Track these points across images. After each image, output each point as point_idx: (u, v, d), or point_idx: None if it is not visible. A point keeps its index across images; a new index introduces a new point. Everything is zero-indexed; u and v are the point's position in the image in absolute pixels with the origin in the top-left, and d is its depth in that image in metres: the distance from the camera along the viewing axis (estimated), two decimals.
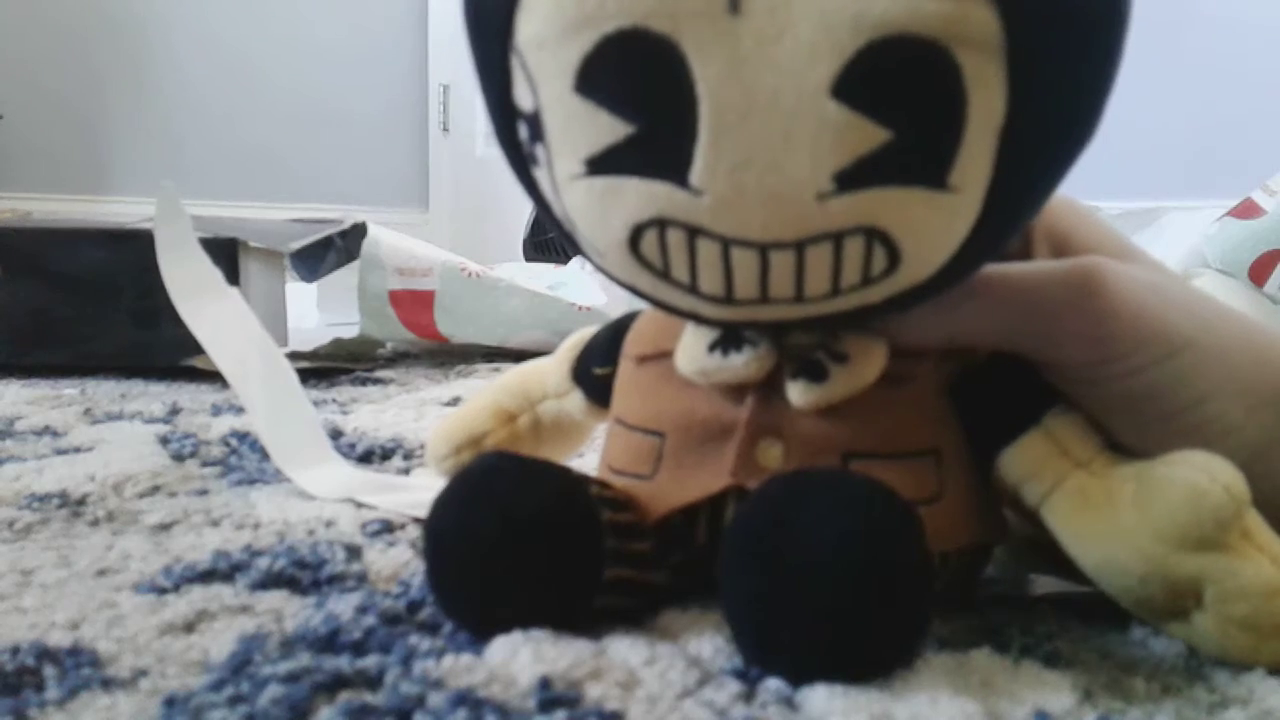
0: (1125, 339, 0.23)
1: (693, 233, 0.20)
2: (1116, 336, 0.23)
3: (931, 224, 0.20)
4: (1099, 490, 0.23)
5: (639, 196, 0.20)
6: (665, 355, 0.26)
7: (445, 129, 2.38)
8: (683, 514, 0.25)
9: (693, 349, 0.25)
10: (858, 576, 0.20)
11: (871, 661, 0.21)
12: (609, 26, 0.18)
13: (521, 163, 0.22)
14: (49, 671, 0.22)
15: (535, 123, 0.21)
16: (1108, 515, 0.23)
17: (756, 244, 0.20)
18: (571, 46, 0.19)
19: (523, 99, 0.21)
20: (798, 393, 0.24)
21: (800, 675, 0.21)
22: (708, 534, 0.25)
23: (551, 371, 0.33)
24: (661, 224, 0.20)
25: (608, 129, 0.20)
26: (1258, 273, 0.77)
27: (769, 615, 0.21)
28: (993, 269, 0.24)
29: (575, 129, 0.20)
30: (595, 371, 0.31)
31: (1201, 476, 0.22)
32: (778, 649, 0.21)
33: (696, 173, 0.19)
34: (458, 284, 0.91)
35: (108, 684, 0.22)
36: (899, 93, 0.18)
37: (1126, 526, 0.23)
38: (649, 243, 0.21)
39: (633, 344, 0.28)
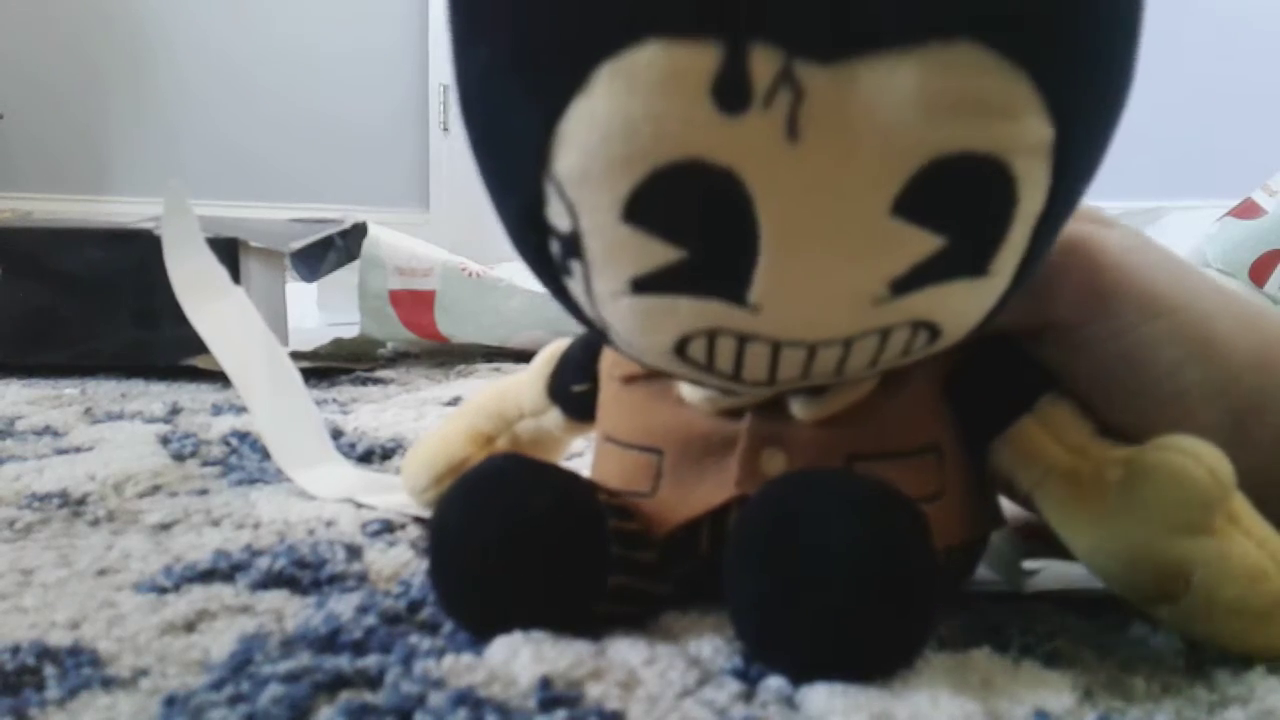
0: (1112, 296, 0.24)
1: (743, 339, 0.20)
2: (1103, 294, 0.24)
3: (971, 306, 0.21)
4: (1089, 476, 0.24)
5: (691, 312, 0.20)
6: (655, 375, 0.26)
7: (446, 129, 2.38)
8: (685, 526, 0.25)
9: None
10: (863, 577, 0.20)
11: (878, 662, 0.21)
12: (662, 161, 0.18)
13: (547, 269, 0.21)
14: (49, 671, 0.22)
15: (572, 242, 0.20)
16: (1097, 500, 0.23)
17: (807, 344, 0.20)
18: (620, 179, 0.18)
19: (558, 220, 0.20)
20: (800, 406, 0.24)
21: (805, 675, 0.21)
22: (710, 544, 0.25)
23: (526, 390, 0.32)
24: (712, 334, 0.20)
25: (659, 254, 0.19)
26: (1258, 272, 0.77)
27: (774, 616, 0.21)
28: None
29: (622, 254, 0.19)
30: (574, 389, 0.31)
31: (1187, 461, 0.22)
32: (783, 650, 0.21)
33: (756, 291, 0.19)
34: (458, 284, 0.91)
35: (108, 683, 0.22)
36: (957, 204, 0.18)
37: (1114, 511, 0.23)
38: (696, 348, 0.21)
39: (615, 365, 0.28)
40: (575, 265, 0.20)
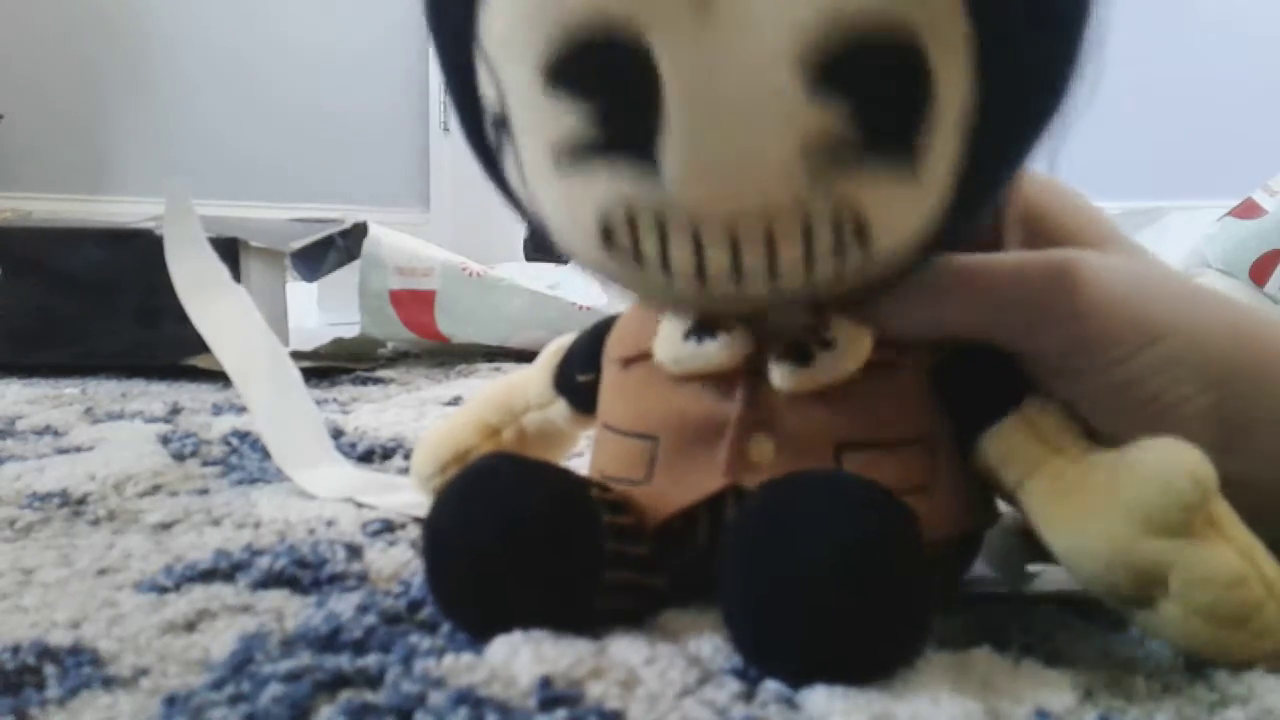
0: (1102, 333, 0.24)
1: (662, 214, 0.20)
2: (1093, 331, 0.24)
3: (899, 203, 0.20)
4: (1073, 476, 0.24)
5: (607, 183, 0.20)
6: (648, 356, 0.26)
7: (446, 129, 2.38)
8: (682, 516, 0.25)
9: (668, 339, 0.25)
10: (856, 581, 0.20)
11: (872, 665, 0.21)
12: (574, 22, 0.19)
13: (491, 160, 0.22)
14: (50, 670, 0.22)
15: (501, 120, 0.21)
16: (1079, 500, 0.23)
17: (721, 219, 0.20)
18: (537, 42, 0.19)
19: (489, 96, 0.21)
20: (781, 375, 0.24)
21: (801, 679, 0.21)
22: (708, 535, 0.25)
23: (533, 382, 0.33)
24: (630, 209, 0.20)
25: (574, 120, 0.20)
26: (1258, 272, 0.77)
27: (768, 622, 0.21)
28: (972, 261, 0.24)
29: (541, 123, 0.20)
30: (579, 379, 0.31)
31: (1170, 463, 0.22)
32: (778, 655, 0.21)
33: (664, 159, 0.19)
34: (458, 284, 0.91)
35: (108, 683, 0.22)
36: (866, 78, 0.19)
37: (1096, 510, 0.23)
38: (620, 232, 0.21)
39: (615, 347, 0.28)
40: (508, 144, 0.21)
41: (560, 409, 0.32)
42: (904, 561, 0.21)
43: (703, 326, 0.24)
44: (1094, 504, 0.23)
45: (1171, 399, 0.24)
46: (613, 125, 0.20)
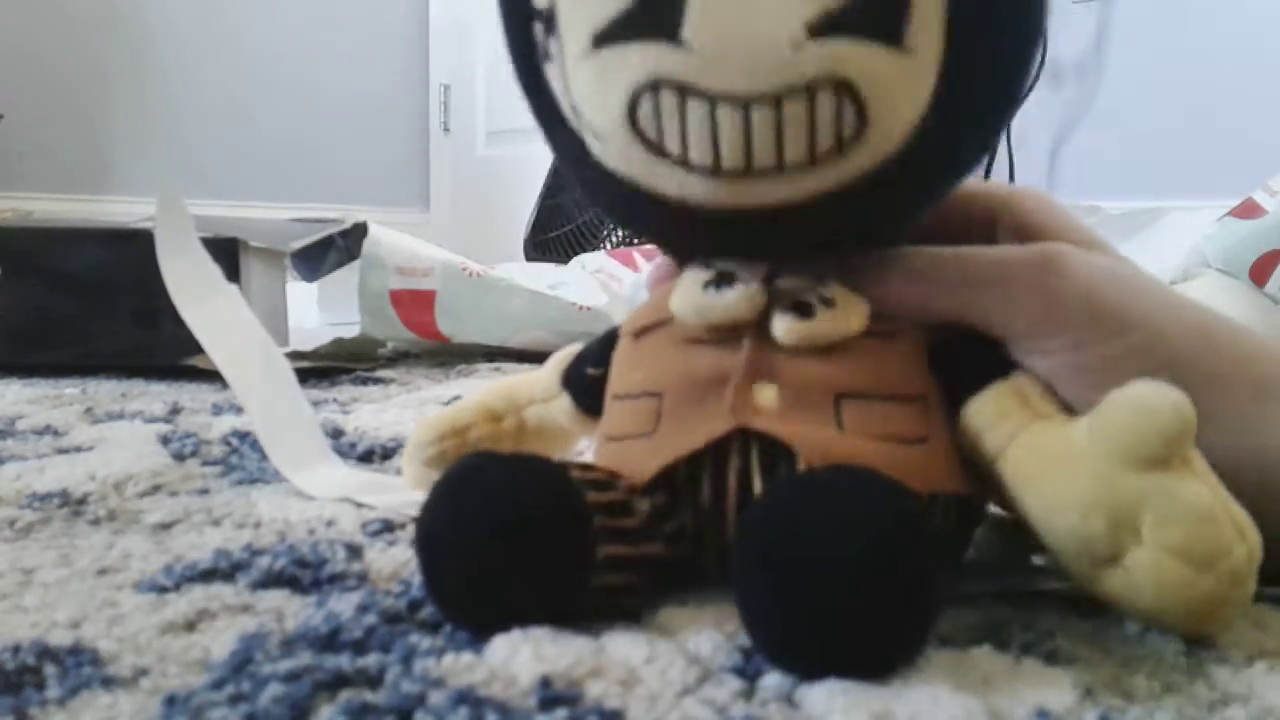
0: (1076, 314, 0.25)
1: (683, 93, 0.22)
2: (1068, 312, 0.25)
3: (893, 81, 0.22)
4: (1055, 434, 0.25)
5: (637, 59, 0.22)
6: (662, 324, 0.27)
7: (446, 129, 2.38)
8: (686, 471, 0.26)
9: (688, 291, 0.27)
10: (872, 580, 0.20)
11: (886, 660, 0.21)
12: None
13: (534, 72, 0.25)
14: (50, 670, 0.22)
15: (549, 16, 0.24)
16: (1060, 452, 0.24)
17: (740, 97, 0.22)
18: None
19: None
20: (783, 327, 0.25)
21: (818, 675, 0.21)
22: (712, 486, 0.25)
23: (540, 378, 0.34)
24: (656, 86, 0.23)
25: (612, 3, 0.22)
26: (1259, 272, 0.77)
27: (786, 619, 0.21)
28: (959, 249, 0.27)
29: (585, 9, 0.23)
30: (589, 371, 0.32)
31: (1153, 396, 0.23)
32: (796, 653, 0.21)
33: (686, 28, 0.22)
34: (458, 284, 0.91)
35: (108, 683, 0.22)
36: None
37: (1077, 455, 0.24)
38: (645, 112, 0.23)
39: (630, 323, 0.29)
40: (553, 45, 0.24)
41: (563, 404, 0.33)
42: (917, 556, 0.21)
43: (721, 279, 0.26)
44: (1074, 451, 0.24)
45: None
46: (645, 6, 0.22)
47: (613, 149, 0.24)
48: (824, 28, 0.21)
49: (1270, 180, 0.81)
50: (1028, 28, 0.24)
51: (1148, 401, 0.23)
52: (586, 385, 0.32)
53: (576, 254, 1.30)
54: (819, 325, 0.25)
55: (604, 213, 0.30)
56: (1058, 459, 0.24)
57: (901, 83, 0.22)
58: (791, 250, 0.26)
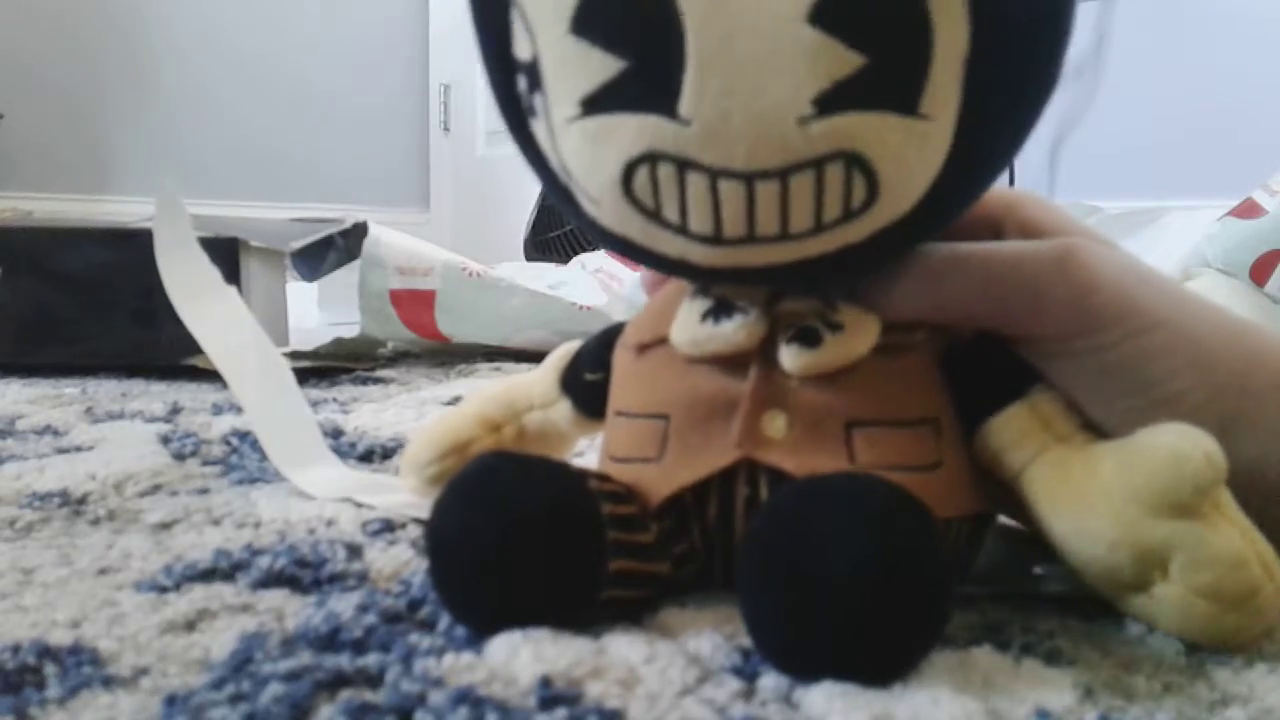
0: (1103, 311, 0.24)
1: (682, 166, 0.21)
2: (1095, 309, 0.24)
3: (906, 151, 0.21)
4: (1078, 462, 0.24)
5: (631, 131, 0.21)
6: (665, 341, 0.26)
7: (446, 128, 2.38)
8: (694, 494, 0.25)
9: (686, 321, 0.26)
10: (880, 587, 0.20)
11: (893, 665, 0.21)
12: None
13: (519, 119, 0.23)
14: (50, 670, 0.22)
15: (533, 71, 0.22)
16: (1085, 483, 0.24)
17: (743, 174, 0.21)
18: None
19: (521, 49, 0.22)
20: (790, 357, 0.25)
21: (823, 679, 0.21)
22: (719, 511, 0.25)
23: (538, 382, 0.33)
24: (653, 159, 0.21)
25: (601, 67, 0.21)
26: (1259, 272, 0.77)
27: (793, 626, 0.21)
28: (973, 246, 0.25)
29: (571, 70, 0.21)
30: (587, 377, 0.31)
31: (1185, 442, 0.22)
32: (802, 659, 0.21)
33: (684, 102, 0.20)
34: (458, 283, 0.91)
35: (109, 682, 0.22)
36: (871, 20, 0.19)
37: (1104, 491, 0.23)
38: (641, 181, 0.22)
39: (631, 335, 0.29)
40: (538, 101, 0.22)
41: (563, 409, 0.32)
42: (925, 562, 0.21)
43: (720, 309, 0.25)
44: (1100, 487, 0.23)
45: (1170, 390, 0.24)
46: (639, 74, 0.20)
47: (606, 211, 0.23)
48: (834, 101, 0.20)
49: (1270, 180, 0.81)
50: (1049, 76, 0.22)
51: (1180, 450, 0.22)
52: (586, 390, 0.31)
53: (576, 254, 1.30)
54: (826, 355, 0.24)
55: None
56: (1082, 491, 0.24)
57: (916, 150, 0.21)
58: (796, 291, 0.25)
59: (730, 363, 0.25)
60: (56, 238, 0.81)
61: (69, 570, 0.29)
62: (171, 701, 0.21)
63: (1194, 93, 1.47)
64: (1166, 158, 1.48)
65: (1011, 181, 1.54)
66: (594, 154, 0.22)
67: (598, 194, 0.23)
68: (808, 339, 0.24)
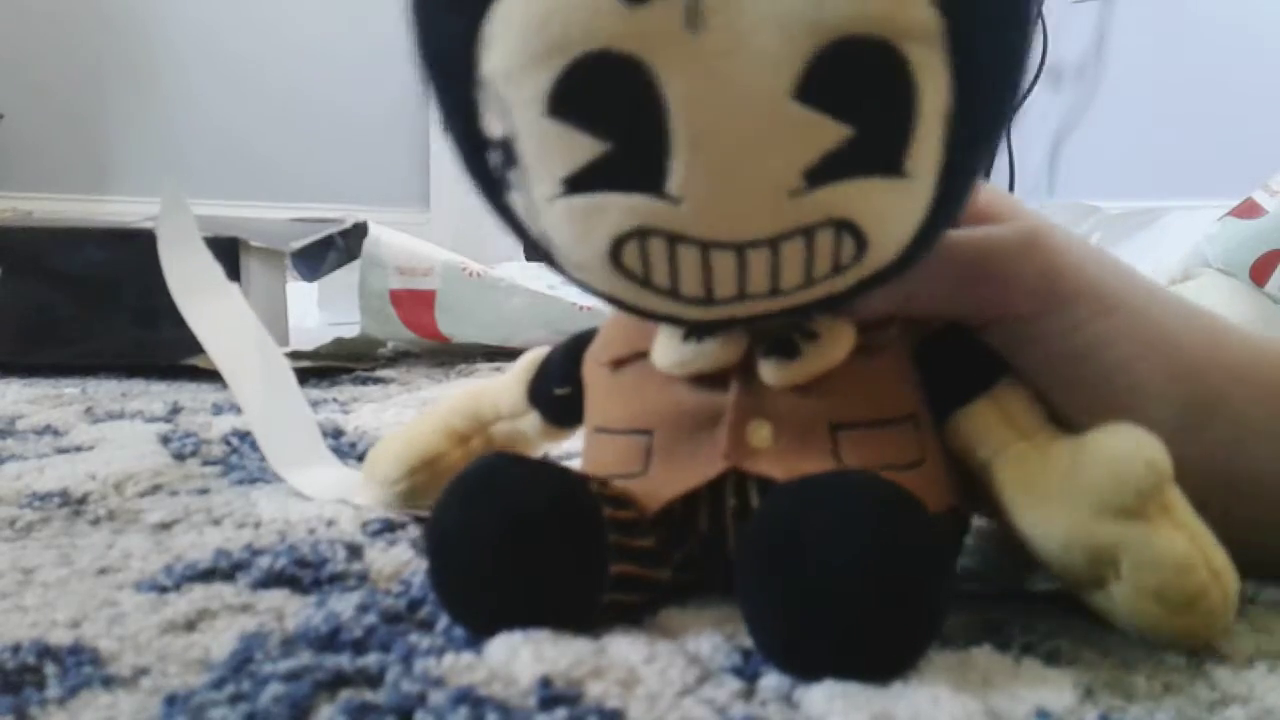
0: (1066, 290, 0.25)
1: (673, 239, 0.21)
2: (1058, 287, 0.25)
3: (893, 209, 0.21)
4: (1036, 459, 0.25)
5: (619, 211, 0.21)
6: (641, 355, 0.26)
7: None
8: (683, 505, 0.25)
9: (667, 343, 0.26)
10: (878, 584, 0.20)
11: (893, 663, 0.21)
12: (575, 52, 0.19)
13: (491, 188, 0.22)
14: (50, 670, 0.22)
15: (508, 149, 0.21)
16: (1041, 482, 0.24)
17: (734, 244, 0.21)
18: (541, 73, 0.19)
19: (493, 128, 0.21)
20: (770, 371, 0.25)
21: (824, 678, 0.21)
22: (709, 521, 0.25)
23: (504, 392, 0.33)
24: (642, 234, 0.21)
25: (584, 148, 0.20)
26: (1259, 272, 0.77)
27: (794, 626, 0.21)
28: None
29: (551, 152, 0.20)
30: (555, 392, 0.31)
31: (1126, 446, 0.23)
32: (802, 657, 0.21)
33: (673, 181, 0.20)
34: (459, 283, 0.91)
35: (109, 682, 0.22)
36: (856, 90, 0.19)
37: (1056, 493, 0.24)
38: (630, 253, 0.21)
39: (603, 351, 0.28)
40: (514, 175, 0.21)
41: (532, 421, 0.32)
42: (923, 558, 0.21)
43: (701, 328, 0.25)
44: (1053, 488, 0.24)
45: (1133, 378, 0.25)
46: (624, 154, 0.20)
47: (593, 277, 0.23)
48: (823, 173, 0.20)
49: (1270, 180, 0.81)
50: (1013, 106, 0.22)
51: (1121, 456, 0.23)
52: (554, 402, 0.31)
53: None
54: (805, 365, 0.25)
55: None
56: (1039, 490, 0.24)
57: (902, 207, 0.21)
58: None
59: (711, 376, 0.25)
60: (56, 238, 0.81)
61: (69, 570, 0.29)
62: (171, 701, 0.21)
63: (1194, 93, 1.47)
64: (1166, 158, 1.48)
65: (1012, 183, 1.54)
66: (580, 230, 0.21)
67: (584, 264, 0.22)
68: (786, 350, 0.25)
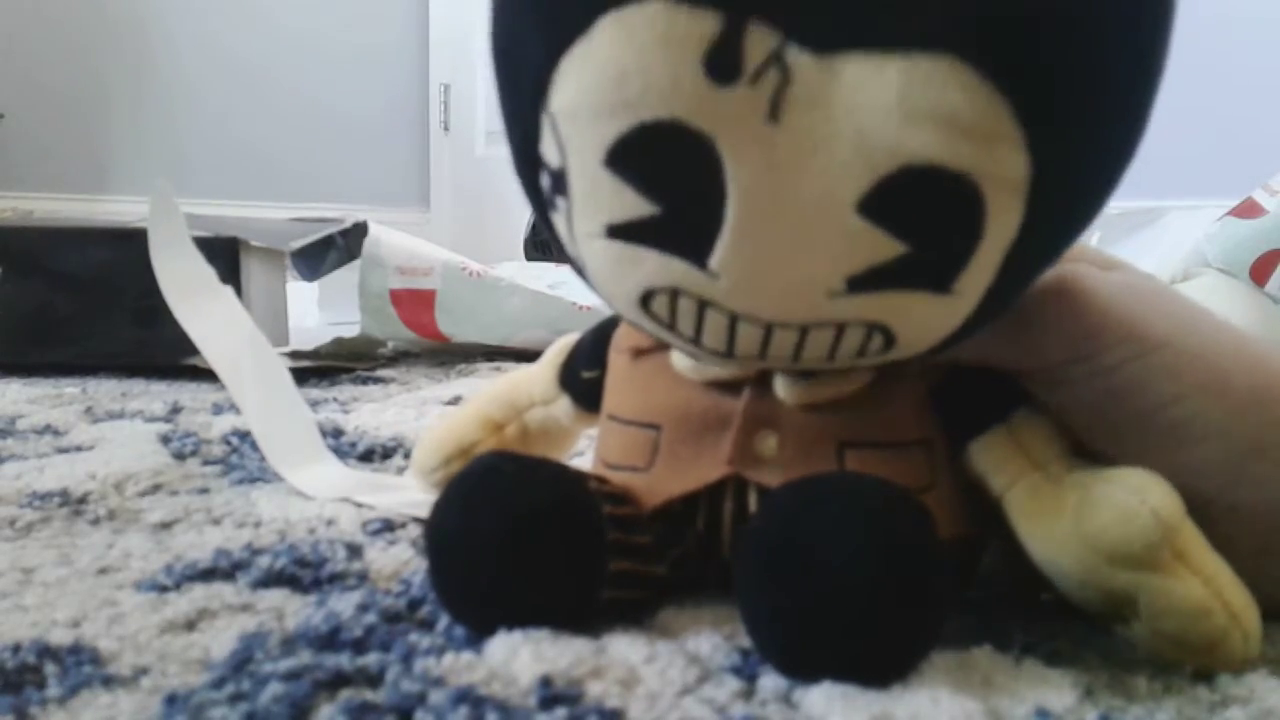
0: (1100, 335, 0.24)
1: (703, 304, 0.21)
2: (1091, 333, 0.24)
3: (931, 320, 0.21)
4: (1049, 494, 0.24)
5: (656, 266, 0.21)
6: (663, 347, 0.26)
7: (446, 128, 2.38)
8: (682, 504, 0.25)
9: None
10: (879, 585, 0.20)
11: (894, 665, 0.21)
12: (648, 115, 0.18)
13: (539, 200, 0.22)
14: (50, 669, 0.22)
15: (560, 179, 0.21)
16: (1052, 520, 0.24)
17: (763, 322, 0.21)
18: (607, 124, 0.19)
19: (549, 155, 0.21)
20: (785, 388, 0.25)
21: (824, 679, 0.21)
22: (706, 522, 0.25)
23: (537, 379, 0.33)
24: (674, 293, 0.21)
25: (633, 205, 0.20)
26: (1259, 272, 0.77)
27: (795, 628, 0.21)
28: None
29: (600, 198, 0.20)
30: (583, 375, 0.31)
31: (1132, 499, 0.22)
32: (802, 660, 0.21)
33: (716, 258, 0.20)
34: (459, 283, 0.91)
35: (109, 682, 0.22)
36: (922, 215, 0.19)
37: (1065, 534, 0.23)
38: (659, 303, 0.22)
39: (626, 337, 0.28)
40: (561, 201, 0.21)
41: (564, 406, 0.32)
42: (923, 559, 0.21)
43: None
44: (1064, 527, 0.23)
45: (1179, 414, 0.24)
46: (671, 218, 0.20)
47: (620, 308, 0.23)
48: (867, 282, 0.20)
49: (1270, 180, 0.81)
50: (1072, 241, 0.22)
51: (1127, 509, 0.22)
52: (584, 386, 0.31)
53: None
54: (822, 388, 0.24)
55: None
56: (1051, 527, 0.24)
57: (941, 319, 0.21)
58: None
59: (725, 380, 0.25)
60: (56, 238, 0.81)
61: (69, 570, 0.29)
62: (171, 701, 0.21)
63: (1194, 93, 1.47)
64: (1166, 158, 1.48)
65: None
66: (613, 272, 0.22)
67: (612, 297, 0.23)
68: (804, 371, 0.24)
